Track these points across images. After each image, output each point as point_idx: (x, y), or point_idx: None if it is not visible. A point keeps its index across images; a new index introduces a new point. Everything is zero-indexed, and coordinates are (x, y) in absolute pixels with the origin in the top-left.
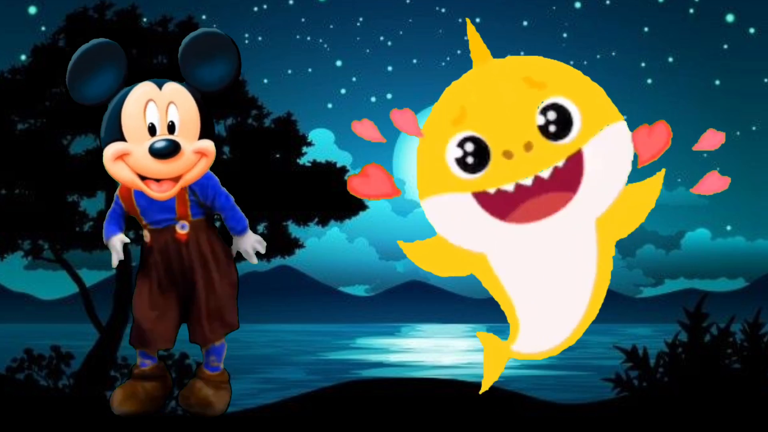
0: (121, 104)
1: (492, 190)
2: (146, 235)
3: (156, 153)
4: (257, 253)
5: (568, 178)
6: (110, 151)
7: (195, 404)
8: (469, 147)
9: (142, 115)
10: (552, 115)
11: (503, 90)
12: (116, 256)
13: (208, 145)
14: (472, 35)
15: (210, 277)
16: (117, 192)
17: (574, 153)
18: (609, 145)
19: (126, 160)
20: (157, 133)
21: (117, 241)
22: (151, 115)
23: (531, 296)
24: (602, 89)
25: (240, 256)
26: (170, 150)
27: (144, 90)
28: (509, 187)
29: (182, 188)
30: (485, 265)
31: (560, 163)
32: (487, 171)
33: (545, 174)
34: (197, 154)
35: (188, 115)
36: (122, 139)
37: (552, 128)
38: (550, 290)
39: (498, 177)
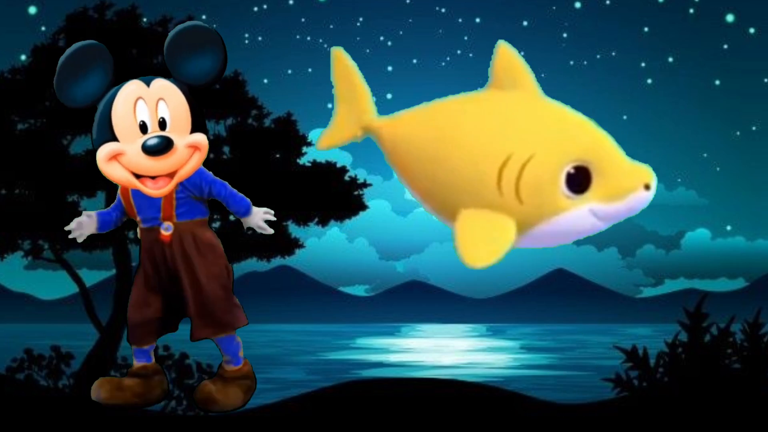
0: (110, 104)
1: None
2: (138, 233)
3: (149, 150)
4: (270, 224)
5: None
6: (103, 152)
7: (198, 401)
8: None
9: (132, 113)
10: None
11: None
12: (75, 223)
13: (201, 138)
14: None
15: (195, 279)
16: (119, 191)
17: None
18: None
19: (120, 160)
20: (148, 130)
21: (84, 214)
22: (141, 113)
23: None
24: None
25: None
26: (163, 146)
27: (132, 89)
28: None
29: (172, 189)
30: None
31: None
32: None
33: None
34: (190, 149)
35: (178, 111)
36: (114, 139)
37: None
38: None
39: None
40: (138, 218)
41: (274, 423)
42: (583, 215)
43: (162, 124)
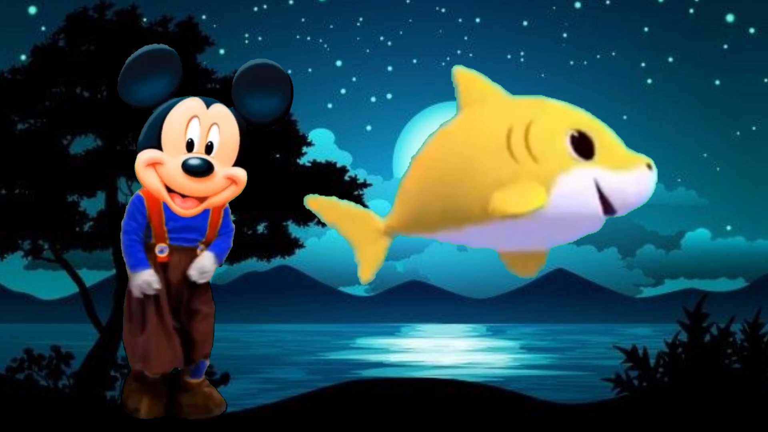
0: (166, 114)
1: None
2: (163, 249)
3: (189, 169)
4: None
5: None
6: (144, 156)
7: (214, 407)
8: None
9: (183, 129)
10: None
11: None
12: (152, 291)
13: (241, 174)
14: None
15: (209, 305)
16: (141, 193)
17: None
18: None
19: (158, 169)
20: (194, 150)
21: (152, 280)
22: (192, 131)
23: None
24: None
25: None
26: (203, 169)
27: (191, 105)
28: None
29: (218, 214)
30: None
31: None
32: None
33: None
34: (228, 180)
35: (229, 140)
36: (159, 147)
37: None
38: None
39: None
40: (166, 234)
41: (274, 423)
42: (587, 182)
43: (209, 149)
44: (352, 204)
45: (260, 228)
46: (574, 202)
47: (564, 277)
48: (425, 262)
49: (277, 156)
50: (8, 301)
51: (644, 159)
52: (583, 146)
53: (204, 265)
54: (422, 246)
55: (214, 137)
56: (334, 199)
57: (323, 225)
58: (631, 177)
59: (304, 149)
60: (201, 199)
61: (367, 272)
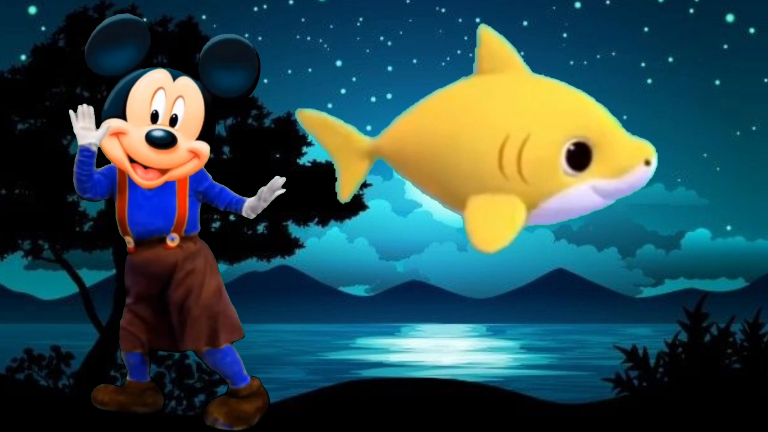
0: (132, 84)
1: None
2: (129, 241)
3: (152, 141)
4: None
5: None
6: (108, 125)
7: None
8: None
9: (149, 100)
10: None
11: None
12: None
13: (204, 147)
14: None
15: (191, 292)
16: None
17: None
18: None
19: (120, 139)
20: (158, 121)
21: (96, 137)
22: (157, 103)
23: None
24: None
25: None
26: (167, 141)
27: (157, 77)
28: None
29: (184, 199)
30: None
31: None
32: None
33: None
34: (190, 153)
35: (193, 113)
36: (123, 117)
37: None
38: None
39: None
40: (128, 229)
41: (274, 423)
42: (585, 192)
43: (173, 121)
44: (340, 121)
45: (260, 228)
46: (569, 207)
47: (564, 277)
48: (425, 262)
49: (277, 156)
50: (8, 301)
51: (643, 155)
52: (579, 158)
53: (266, 196)
54: (422, 246)
55: (179, 110)
56: (324, 114)
57: (323, 225)
58: (627, 181)
59: (304, 149)
60: (163, 171)
61: (346, 191)
